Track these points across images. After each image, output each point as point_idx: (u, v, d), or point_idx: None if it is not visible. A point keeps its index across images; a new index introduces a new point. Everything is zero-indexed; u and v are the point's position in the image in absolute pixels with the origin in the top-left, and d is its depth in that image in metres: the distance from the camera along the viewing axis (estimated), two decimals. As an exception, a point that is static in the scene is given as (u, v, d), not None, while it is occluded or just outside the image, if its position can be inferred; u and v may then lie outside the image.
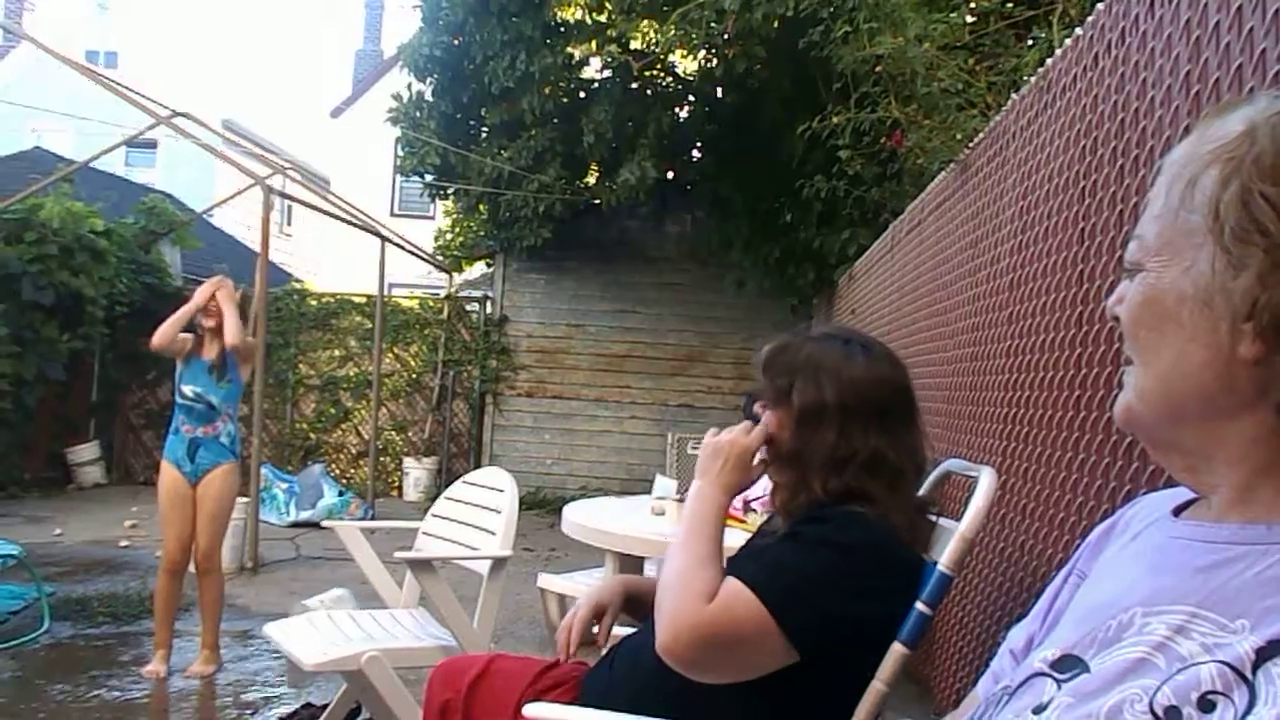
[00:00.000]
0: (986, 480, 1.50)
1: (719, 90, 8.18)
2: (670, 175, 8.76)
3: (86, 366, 9.24)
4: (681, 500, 2.74)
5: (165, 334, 3.90)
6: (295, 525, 7.46)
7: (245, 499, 5.93)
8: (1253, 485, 0.70)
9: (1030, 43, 3.54)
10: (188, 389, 3.95)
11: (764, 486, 2.37)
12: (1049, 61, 2.55)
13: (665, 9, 7.32)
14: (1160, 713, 0.62)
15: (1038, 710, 0.71)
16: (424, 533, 3.32)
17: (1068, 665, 0.72)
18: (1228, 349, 0.67)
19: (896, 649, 1.36)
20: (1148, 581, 0.73)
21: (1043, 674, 0.74)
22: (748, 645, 1.34)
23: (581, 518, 2.73)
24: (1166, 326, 0.71)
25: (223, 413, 3.98)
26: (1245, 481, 0.70)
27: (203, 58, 25.42)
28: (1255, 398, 0.67)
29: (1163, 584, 0.71)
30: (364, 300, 9.86)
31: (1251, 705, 0.59)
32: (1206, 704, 0.61)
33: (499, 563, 2.92)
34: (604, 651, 1.75)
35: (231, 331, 3.94)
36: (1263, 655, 0.60)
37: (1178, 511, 0.80)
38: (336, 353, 9.90)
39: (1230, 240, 0.66)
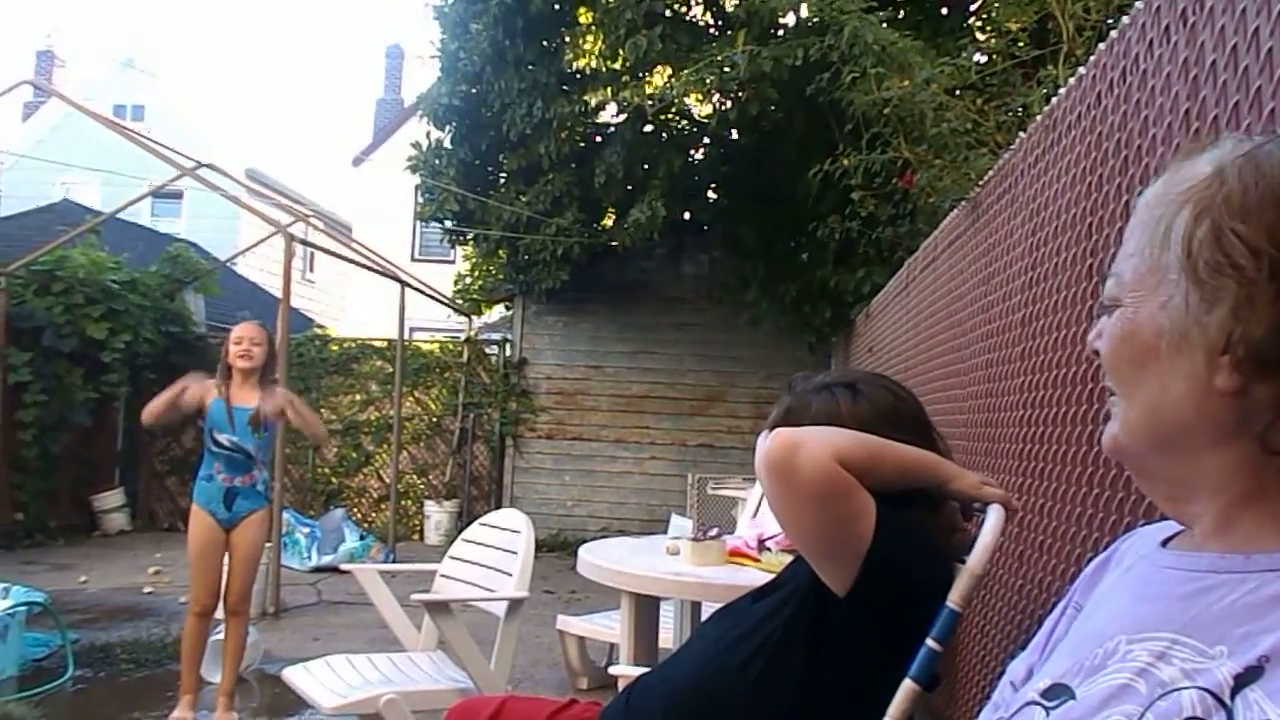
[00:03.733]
0: (994, 517, 1.50)
1: (733, 132, 8.26)
2: (686, 216, 8.83)
3: (111, 414, 9.35)
4: (697, 539, 2.74)
5: (151, 414, 3.90)
6: (317, 570, 7.47)
7: (268, 544, 5.97)
8: (1231, 516, 0.72)
9: (1037, 82, 3.58)
10: (224, 438, 3.89)
11: (779, 526, 2.38)
12: (1054, 100, 2.59)
13: (679, 56, 7.44)
14: None
15: None
16: (441, 575, 3.34)
17: (1056, 693, 0.74)
18: (1205, 381, 0.69)
19: (907, 685, 1.36)
20: (1133, 610, 0.75)
21: (1033, 702, 0.75)
22: (852, 500, 1.42)
23: (597, 558, 2.73)
24: (1146, 360, 0.73)
25: (259, 461, 3.98)
26: (1224, 512, 0.72)
27: (227, 109, 25.94)
28: (1234, 429, 0.69)
29: (1146, 612, 0.73)
30: (384, 344, 9.95)
31: None
32: None
33: (515, 604, 2.92)
34: (619, 689, 1.76)
35: (314, 434, 4.38)
36: (1240, 681, 0.62)
37: (1165, 542, 0.81)
38: (358, 397, 9.97)
39: (1205, 275, 0.69)
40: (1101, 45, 2.21)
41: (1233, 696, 0.62)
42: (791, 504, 1.45)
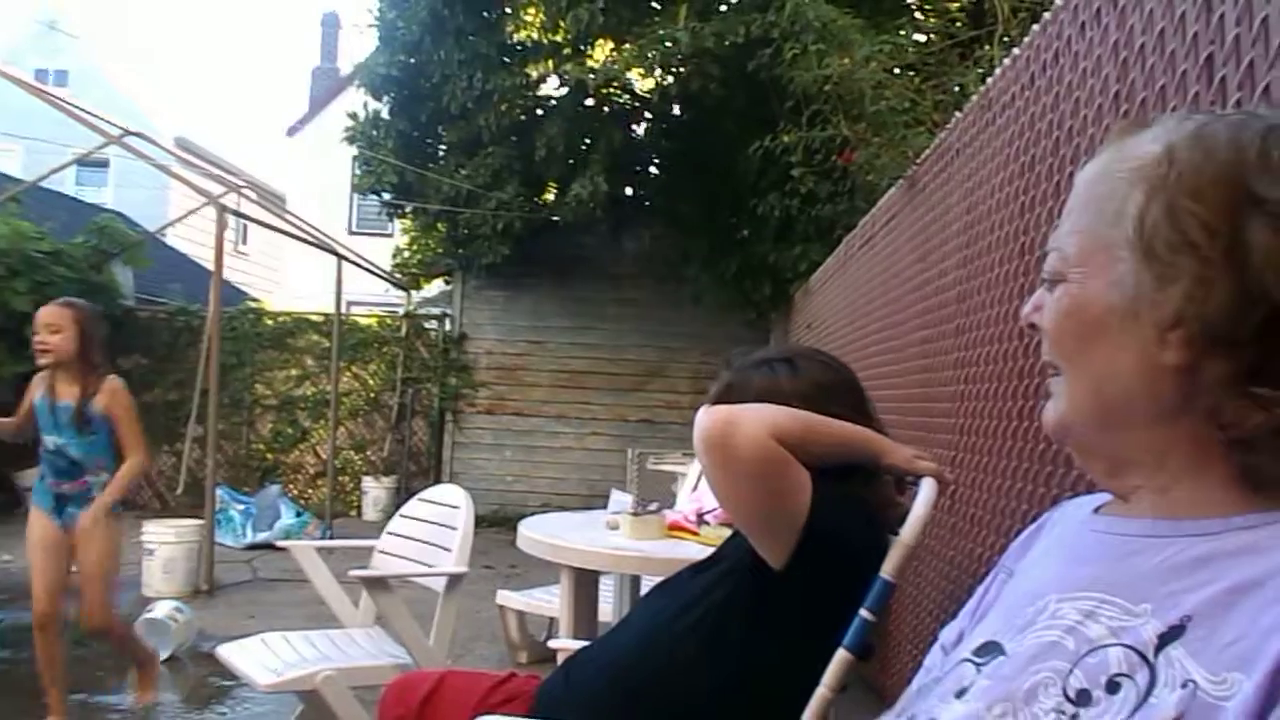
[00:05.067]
0: (926, 489, 1.54)
1: (674, 107, 8.25)
2: (628, 191, 8.81)
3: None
4: (636, 514, 2.75)
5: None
6: (252, 547, 7.36)
7: (201, 521, 5.87)
8: (1168, 487, 0.73)
9: (974, 62, 3.63)
10: (48, 439, 3.38)
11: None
12: (989, 80, 2.62)
13: (620, 29, 7.40)
14: (1073, 695, 0.65)
15: (959, 694, 0.74)
16: (380, 551, 3.31)
17: (987, 650, 0.76)
18: (1154, 357, 0.70)
19: (841, 655, 1.39)
20: (1064, 571, 0.77)
21: (966, 660, 0.77)
22: (788, 476, 1.44)
23: (537, 533, 2.73)
24: (1094, 336, 0.74)
25: (88, 468, 3.41)
26: (1162, 484, 0.74)
27: (156, 75, 25.15)
28: (1179, 404, 0.71)
29: (1077, 573, 0.75)
30: (321, 319, 9.79)
31: (1152, 686, 0.62)
32: (1113, 685, 0.64)
33: (455, 579, 2.91)
34: (559, 663, 1.77)
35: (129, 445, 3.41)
36: (1164, 639, 0.64)
37: (1097, 510, 0.83)
38: (293, 372, 9.81)
39: (1161, 253, 0.70)
40: (1036, 27, 2.25)
41: (1156, 654, 0.64)
42: (729, 480, 1.47)
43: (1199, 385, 0.69)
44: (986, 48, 3.61)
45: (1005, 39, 3.39)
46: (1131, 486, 0.77)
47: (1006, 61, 2.47)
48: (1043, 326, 0.78)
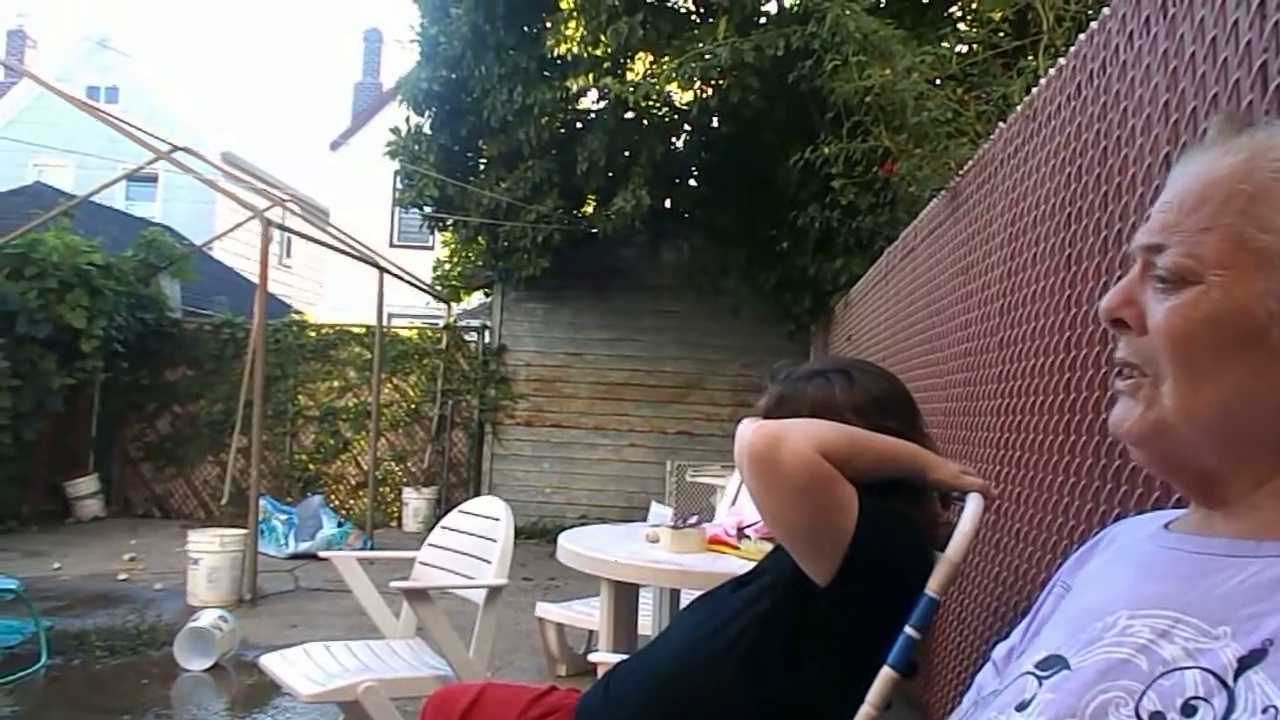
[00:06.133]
0: (973, 505, 1.51)
1: (714, 120, 8.25)
2: (667, 204, 8.82)
3: (85, 400, 9.26)
4: (676, 527, 2.74)
5: None
6: (294, 557, 7.44)
7: (244, 531, 5.94)
8: (1257, 504, 0.71)
9: (1018, 72, 3.59)
10: None
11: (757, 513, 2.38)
12: (1034, 90, 2.59)
13: (660, 42, 7.42)
14: (1146, 717, 0.63)
15: (1020, 707, 0.72)
16: (420, 562, 3.33)
17: (1050, 664, 0.74)
18: None
19: (885, 673, 1.37)
20: (1135, 587, 0.74)
21: (1027, 673, 0.75)
22: (835, 492, 1.43)
23: (576, 545, 2.73)
24: (1238, 348, 0.69)
25: None
26: (1252, 502, 0.71)
27: (203, 91, 25.63)
28: None
29: (1149, 589, 0.72)
30: (363, 331, 9.89)
31: (1230, 711, 0.60)
32: (1189, 709, 0.62)
33: (495, 591, 2.92)
34: (598, 676, 1.76)
35: None
36: (1244, 663, 0.62)
37: (1167, 525, 0.81)
38: (335, 383, 9.92)
39: None
40: (1081, 36, 2.21)
41: (1236, 678, 0.62)
42: (775, 496, 1.45)
43: None
44: (1030, 58, 3.57)
45: (1050, 49, 3.35)
46: (1218, 502, 0.73)
47: (1052, 71, 2.43)
48: (1157, 326, 0.72)
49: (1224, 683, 0.62)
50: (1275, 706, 0.58)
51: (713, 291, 8.72)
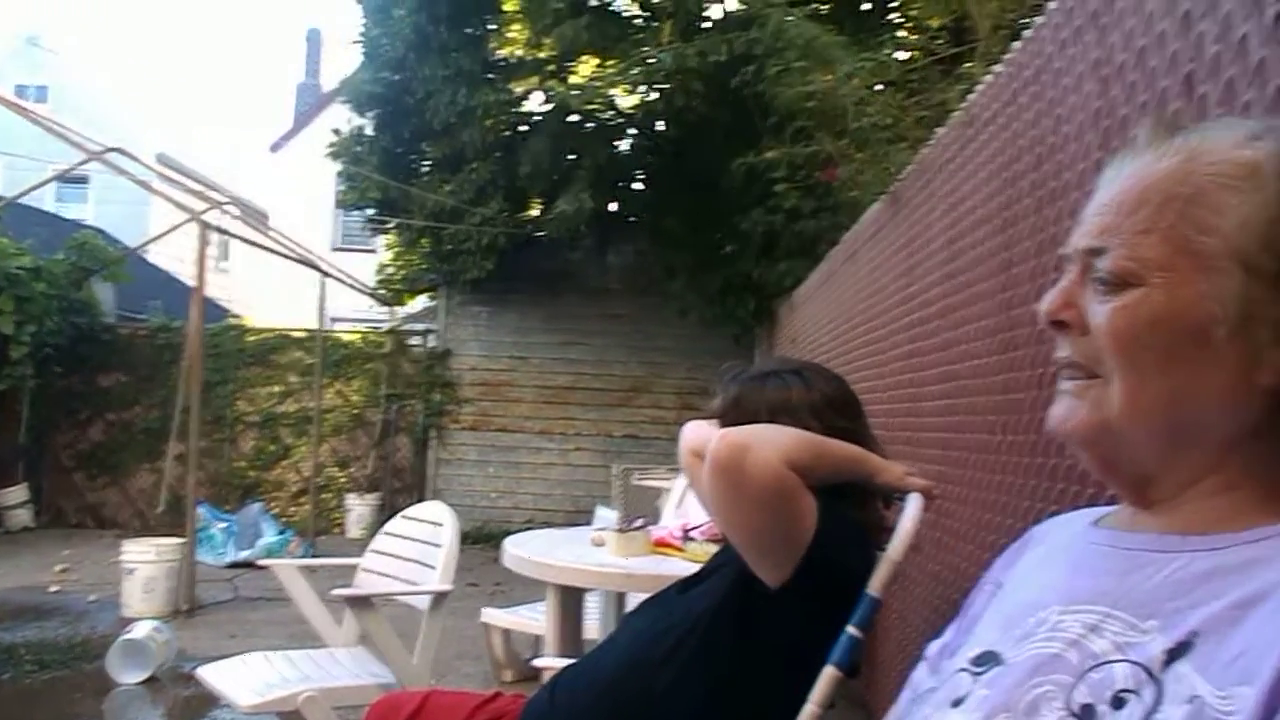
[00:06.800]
0: (913, 505, 1.53)
1: (659, 124, 8.28)
2: (612, 207, 8.82)
3: (14, 407, 8.98)
4: (622, 530, 2.74)
5: None
6: (234, 566, 7.29)
7: (182, 539, 5.81)
8: (1185, 502, 0.72)
9: (956, 79, 3.65)
10: None
11: (705, 515, 2.39)
12: (971, 97, 2.64)
13: (605, 46, 7.43)
14: (1077, 709, 0.65)
15: (955, 704, 0.74)
16: (363, 569, 3.28)
17: (985, 660, 0.75)
18: (1248, 376, 0.68)
19: (828, 671, 1.38)
20: (1066, 583, 0.76)
21: (963, 670, 0.76)
22: (798, 501, 1.43)
23: (522, 550, 2.72)
24: (1183, 347, 0.70)
25: None
26: (1181, 500, 0.73)
27: (138, 91, 25.05)
28: (1255, 426, 0.69)
29: (1080, 585, 0.74)
30: (304, 335, 9.75)
31: (1159, 703, 0.61)
32: (1118, 701, 0.63)
33: (439, 597, 2.89)
34: (544, 682, 1.75)
35: None
36: (1172, 655, 0.63)
37: (1096, 522, 0.82)
38: (276, 389, 9.76)
39: None
40: (1017, 44, 2.26)
41: (1163, 670, 0.63)
42: (739, 506, 1.45)
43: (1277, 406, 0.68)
44: (968, 65, 3.63)
45: (986, 56, 3.42)
46: (1151, 501, 0.75)
47: (988, 78, 2.48)
48: (1100, 328, 0.73)
49: (1152, 675, 0.63)
50: (1200, 696, 0.60)
51: (658, 295, 8.74)
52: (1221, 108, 1.30)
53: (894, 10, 7.17)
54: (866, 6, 7.32)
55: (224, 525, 7.73)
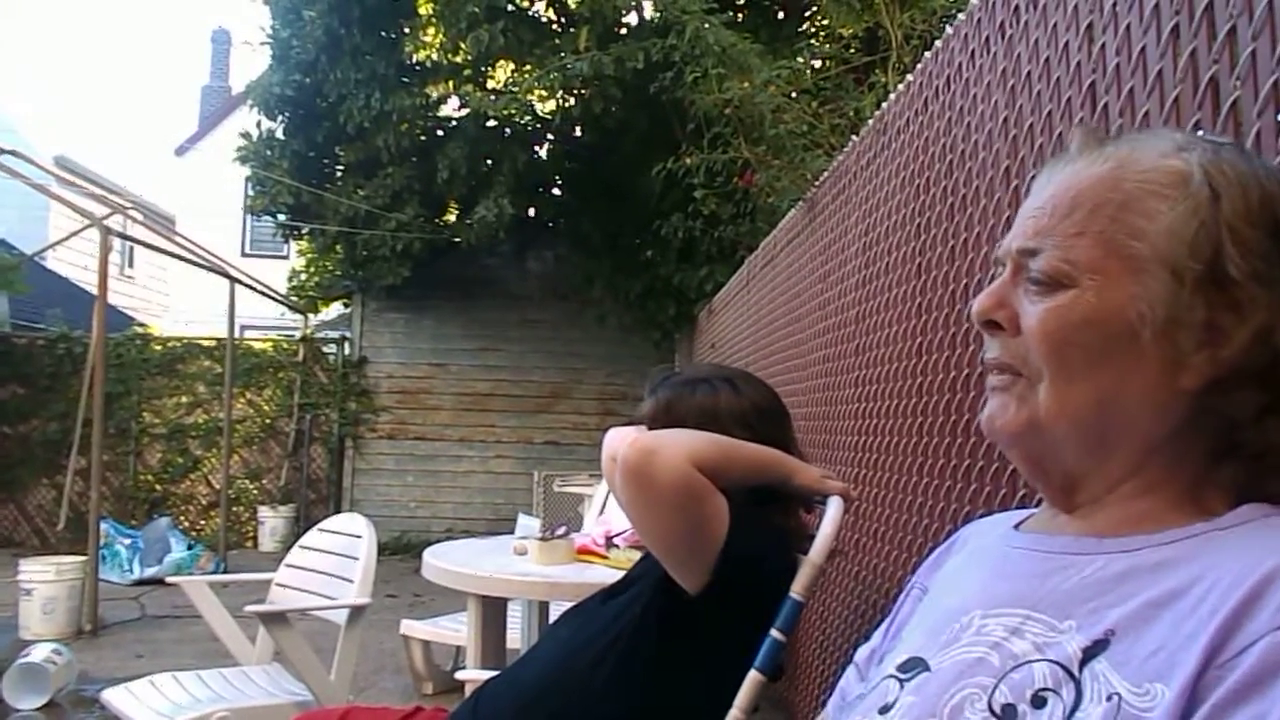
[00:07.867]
0: (833, 509, 1.55)
1: (577, 129, 8.27)
2: (531, 213, 8.79)
3: (-99, 421, 8.55)
4: (544, 538, 2.72)
5: None
6: (140, 583, 7.04)
7: (84, 557, 5.59)
8: (1105, 505, 0.74)
9: (869, 87, 3.73)
10: None
11: (627, 522, 2.38)
12: (884, 105, 2.69)
13: (521, 51, 7.39)
14: (998, 710, 0.65)
15: (883, 710, 0.74)
16: (277, 584, 3.20)
17: (911, 666, 0.75)
18: (1173, 379, 0.70)
19: (753, 676, 1.38)
20: (988, 586, 0.77)
21: (890, 676, 0.77)
22: (707, 503, 1.43)
23: (442, 560, 2.68)
24: (1112, 349, 0.71)
25: None
26: (1103, 502, 0.74)
27: (33, 91, 24.08)
28: (1179, 428, 0.71)
29: (1001, 588, 0.75)
30: (213, 344, 9.48)
31: (1079, 702, 0.62)
32: (1039, 700, 0.64)
33: (357, 611, 2.83)
34: (466, 695, 1.72)
35: None
36: (1088, 654, 0.64)
37: (1017, 525, 0.83)
38: (184, 399, 9.47)
39: (1236, 277, 0.69)
40: (927, 54, 2.31)
41: (1081, 668, 0.64)
42: (648, 509, 1.45)
43: (1210, 411, 0.70)
44: (880, 74, 3.71)
45: (899, 65, 3.49)
46: (1075, 504, 0.76)
47: (900, 87, 2.53)
48: (1031, 328, 0.74)
49: (1070, 673, 0.64)
50: (1118, 693, 0.61)
51: (578, 300, 8.73)
52: (1123, 117, 1.35)
53: (808, 19, 7.30)
54: (781, 15, 7.43)
55: (129, 541, 7.46)
